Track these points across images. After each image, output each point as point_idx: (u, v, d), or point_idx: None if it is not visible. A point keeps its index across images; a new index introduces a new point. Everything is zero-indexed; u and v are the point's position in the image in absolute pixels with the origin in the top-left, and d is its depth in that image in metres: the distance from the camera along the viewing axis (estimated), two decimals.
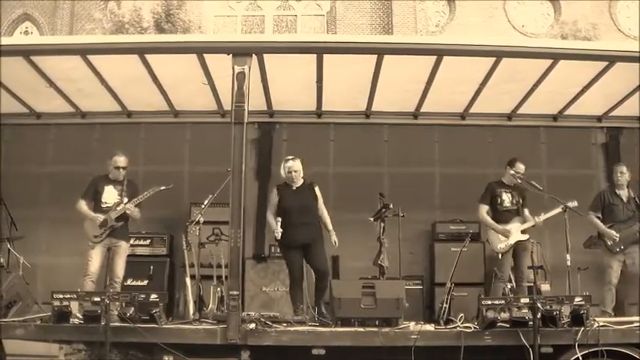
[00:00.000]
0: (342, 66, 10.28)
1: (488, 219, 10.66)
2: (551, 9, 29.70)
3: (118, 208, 10.03)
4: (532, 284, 11.09)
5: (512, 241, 10.42)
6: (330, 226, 10.00)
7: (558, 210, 10.21)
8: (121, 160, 10.23)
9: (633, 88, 10.97)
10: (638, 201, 10.55)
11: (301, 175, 10.05)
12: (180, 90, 11.50)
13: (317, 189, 10.11)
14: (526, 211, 10.59)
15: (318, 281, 9.90)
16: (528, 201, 10.75)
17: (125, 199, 10.12)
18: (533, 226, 10.46)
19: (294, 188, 10.05)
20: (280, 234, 9.76)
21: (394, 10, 27.95)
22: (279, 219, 9.81)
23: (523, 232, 10.46)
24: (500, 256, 10.49)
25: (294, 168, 9.98)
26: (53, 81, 10.93)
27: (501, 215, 10.59)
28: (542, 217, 10.39)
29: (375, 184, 11.75)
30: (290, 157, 10.11)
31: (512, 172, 10.56)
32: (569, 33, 26.90)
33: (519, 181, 10.52)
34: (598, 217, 10.53)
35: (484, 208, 10.70)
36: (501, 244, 10.46)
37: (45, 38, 22.61)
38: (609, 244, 10.33)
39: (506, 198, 10.62)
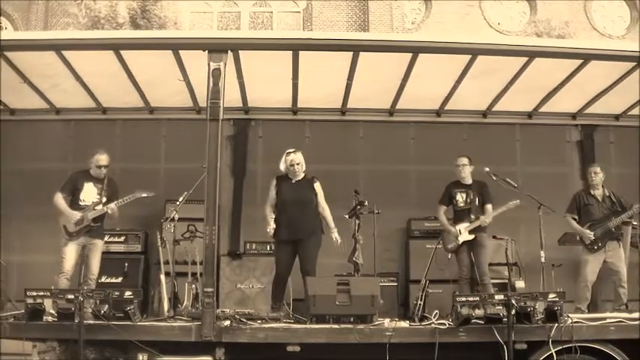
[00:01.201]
0: (318, 63, 10.27)
1: (442, 219, 10.89)
2: (527, 7, 29.81)
3: (97, 208, 9.97)
4: (497, 281, 11.22)
5: (459, 241, 10.54)
6: (332, 224, 9.99)
7: (503, 209, 10.46)
8: (102, 159, 10.15)
9: (607, 85, 11.06)
10: (613, 198, 10.64)
11: (303, 168, 10.06)
12: (156, 86, 11.46)
13: (317, 185, 10.09)
14: (488, 207, 10.64)
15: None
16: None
17: (104, 199, 10.06)
18: (479, 225, 10.53)
19: (293, 182, 10.07)
20: (273, 230, 9.79)
21: (370, 8, 27.96)
22: (272, 215, 9.88)
23: (471, 231, 10.53)
24: (449, 255, 10.68)
25: (295, 161, 9.99)
26: (28, 77, 10.85)
27: (456, 215, 10.78)
28: (489, 216, 10.52)
29: (351, 181, 11.71)
30: (291, 150, 10.11)
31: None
32: (544, 31, 27.04)
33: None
34: (574, 219, 10.64)
35: (442, 209, 10.92)
36: (451, 244, 10.64)
37: (19, 34, 22.47)
38: (587, 243, 10.43)
39: (460, 198, 10.74)
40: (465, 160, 10.76)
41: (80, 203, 10.03)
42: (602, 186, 10.76)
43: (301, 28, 27.81)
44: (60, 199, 10.02)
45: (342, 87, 11.44)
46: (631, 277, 10.57)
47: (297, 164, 10.00)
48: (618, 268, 10.33)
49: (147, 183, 10.35)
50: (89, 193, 10.11)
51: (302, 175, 10.10)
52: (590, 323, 8.50)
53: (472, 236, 10.52)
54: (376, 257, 10.63)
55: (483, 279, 10.40)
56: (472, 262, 10.51)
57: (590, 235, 10.38)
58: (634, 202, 10.47)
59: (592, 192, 10.74)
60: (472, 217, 10.57)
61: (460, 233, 10.54)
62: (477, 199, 10.61)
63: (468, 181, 10.77)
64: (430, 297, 10.59)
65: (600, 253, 10.39)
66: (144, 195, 10.17)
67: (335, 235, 9.94)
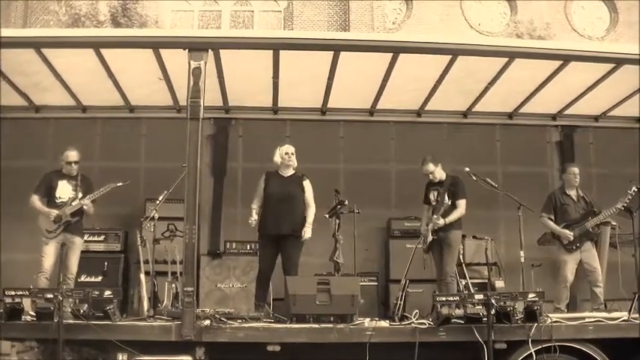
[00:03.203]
0: (298, 62, 10.25)
1: (423, 219, 10.88)
2: (507, 8, 29.98)
3: (74, 203, 9.92)
4: (477, 281, 11.42)
5: (427, 241, 10.52)
6: (310, 220, 10.00)
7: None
8: (72, 155, 10.10)
9: (587, 87, 11.10)
10: (587, 199, 10.67)
11: (295, 163, 10.18)
12: (136, 85, 11.40)
13: (306, 182, 10.18)
14: (459, 203, 10.42)
15: None
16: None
17: (80, 194, 10.02)
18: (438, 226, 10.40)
19: (283, 177, 10.16)
20: (254, 222, 9.80)
21: (351, 8, 27.98)
22: (254, 206, 9.97)
23: (434, 231, 10.42)
24: (424, 256, 10.64)
25: (291, 150, 10.16)
26: (7, 75, 10.78)
27: (432, 213, 10.60)
28: (446, 219, 10.32)
29: (331, 181, 11.70)
30: (283, 144, 10.28)
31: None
32: (525, 32, 27.21)
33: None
34: (550, 219, 10.63)
35: (424, 208, 10.86)
36: (420, 244, 10.71)
37: None
38: (565, 243, 10.43)
39: (432, 196, 10.65)
40: (427, 167, 10.57)
41: (57, 201, 9.99)
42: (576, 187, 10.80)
43: (282, 28, 27.82)
44: (36, 201, 9.99)
45: (322, 86, 11.44)
46: (614, 277, 10.63)
47: (292, 154, 10.14)
48: (593, 269, 10.33)
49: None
50: (64, 190, 10.06)
51: (292, 170, 10.19)
52: (569, 323, 8.55)
53: (433, 237, 10.39)
54: (356, 257, 10.60)
55: (445, 278, 10.23)
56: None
57: (570, 235, 10.35)
58: (611, 202, 10.50)
59: (568, 192, 10.72)
60: (434, 216, 10.41)
61: (428, 233, 10.52)
62: (446, 195, 10.54)
63: (440, 178, 10.70)
64: (410, 296, 10.63)
65: (577, 253, 10.39)
66: (119, 184, 10.11)
67: (305, 230, 9.91)
